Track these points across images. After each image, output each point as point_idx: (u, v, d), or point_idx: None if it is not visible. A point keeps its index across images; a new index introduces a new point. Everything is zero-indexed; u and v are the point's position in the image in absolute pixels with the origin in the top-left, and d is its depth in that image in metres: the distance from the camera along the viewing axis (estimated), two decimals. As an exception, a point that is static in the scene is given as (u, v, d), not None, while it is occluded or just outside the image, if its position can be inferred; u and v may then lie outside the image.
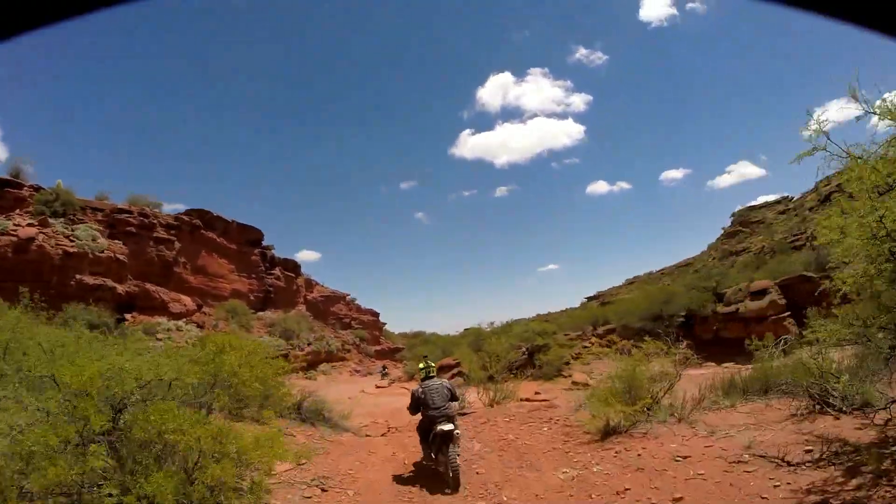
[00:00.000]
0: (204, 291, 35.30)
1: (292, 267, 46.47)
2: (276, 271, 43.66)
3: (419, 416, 7.43)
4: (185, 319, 30.08)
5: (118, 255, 28.44)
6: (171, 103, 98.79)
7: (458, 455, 6.75)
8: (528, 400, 17.52)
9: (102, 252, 27.81)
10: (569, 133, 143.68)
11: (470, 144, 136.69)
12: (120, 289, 27.11)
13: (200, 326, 30.42)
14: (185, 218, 35.58)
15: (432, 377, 7.56)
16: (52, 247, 26.72)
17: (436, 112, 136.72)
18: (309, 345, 37.03)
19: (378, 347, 50.42)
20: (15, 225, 26.99)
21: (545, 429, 9.91)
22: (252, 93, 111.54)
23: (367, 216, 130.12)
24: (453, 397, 7.34)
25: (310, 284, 50.11)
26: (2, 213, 27.50)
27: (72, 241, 27.54)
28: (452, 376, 27.71)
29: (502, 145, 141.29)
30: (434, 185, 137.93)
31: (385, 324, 59.70)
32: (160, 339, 26.04)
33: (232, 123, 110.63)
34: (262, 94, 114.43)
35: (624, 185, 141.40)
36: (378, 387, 29.10)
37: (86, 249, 27.26)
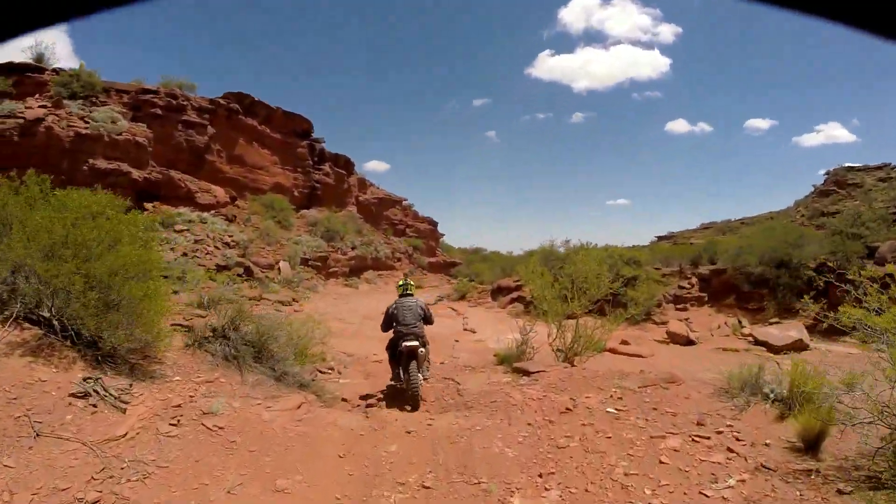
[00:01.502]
0: (240, 183, 32.01)
1: (344, 163, 42.32)
2: (326, 167, 39.72)
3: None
4: (213, 211, 26.95)
5: (138, 138, 25.05)
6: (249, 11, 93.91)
7: (423, 373, 6.69)
8: (613, 352, 12.85)
9: (120, 135, 24.49)
10: (653, 64, 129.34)
11: (548, 66, 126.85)
12: (136, 174, 23.92)
13: (230, 220, 27.30)
14: (222, 101, 31.61)
15: (409, 294, 7.23)
16: (63, 128, 23.62)
17: (514, 29, 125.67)
18: (353, 249, 33.60)
19: (432, 259, 46.77)
20: (26, 107, 24.11)
21: (720, 459, 4.91)
22: (333, 5, 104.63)
23: (438, 131, 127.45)
24: (426, 319, 7.19)
25: (363, 185, 46.19)
26: (21, 99, 24.72)
27: (86, 122, 24.35)
28: (511, 301, 23.35)
29: (582, 70, 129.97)
30: (508, 105, 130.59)
31: (443, 235, 55.70)
32: (178, 231, 23.07)
33: (309, 35, 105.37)
34: (342, 7, 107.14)
35: (705, 126, 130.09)
36: (422, 304, 25.27)
37: (101, 131, 24.00)
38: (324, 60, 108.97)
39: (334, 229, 33.09)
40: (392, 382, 7.02)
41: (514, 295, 23.17)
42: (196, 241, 22.74)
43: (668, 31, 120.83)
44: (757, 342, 15.86)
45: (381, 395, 7.02)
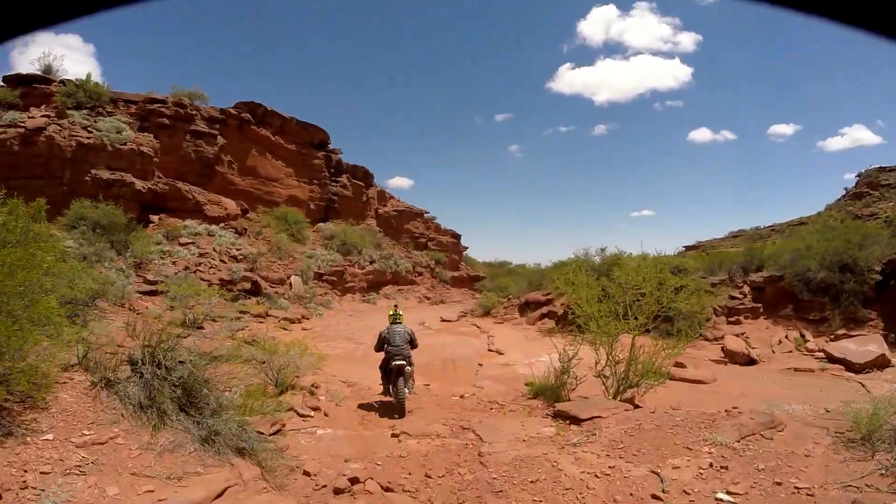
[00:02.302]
0: (253, 196, 30.60)
1: (362, 175, 40.72)
2: (343, 179, 38.15)
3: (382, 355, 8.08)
4: (223, 224, 25.46)
5: (143, 148, 23.79)
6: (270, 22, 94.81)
7: (408, 388, 7.74)
8: (670, 378, 10.52)
9: (124, 144, 23.26)
10: (674, 74, 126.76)
11: (569, 79, 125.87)
12: (140, 185, 22.57)
13: (240, 233, 25.78)
14: (233, 111, 30.39)
15: (398, 323, 8.21)
16: (65, 138, 22.55)
17: (534, 44, 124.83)
18: (371, 263, 31.76)
19: (456, 273, 44.63)
20: (28, 117, 23.15)
21: None
22: (352, 19, 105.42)
23: (460, 146, 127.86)
24: (412, 343, 8.07)
25: (383, 197, 44.50)
26: (26, 110, 23.86)
27: (90, 132, 23.23)
28: (541, 317, 21.12)
29: (603, 82, 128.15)
30: (530, 119, 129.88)
31: (466, 248, 53.53)
32: (182, 245, 21.55)
33: (329, 49, 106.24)
34: (362, 21, 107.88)
35: (728, 134, 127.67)
36: (444, 320, 23.17)
37: (104, 141, 22.83)
38: (343, 77, 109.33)
39: (351, 242, 31.36)
40: (381, 396, 8.24)
41: (545, 310, 20.93)
42: (201, 255, 21.19)
43: (688, 40, 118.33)
44: (832, 359, 13.47)
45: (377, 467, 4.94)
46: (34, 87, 25.48)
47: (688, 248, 46.40)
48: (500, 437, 5.06)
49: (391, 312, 8.60)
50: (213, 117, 28.99)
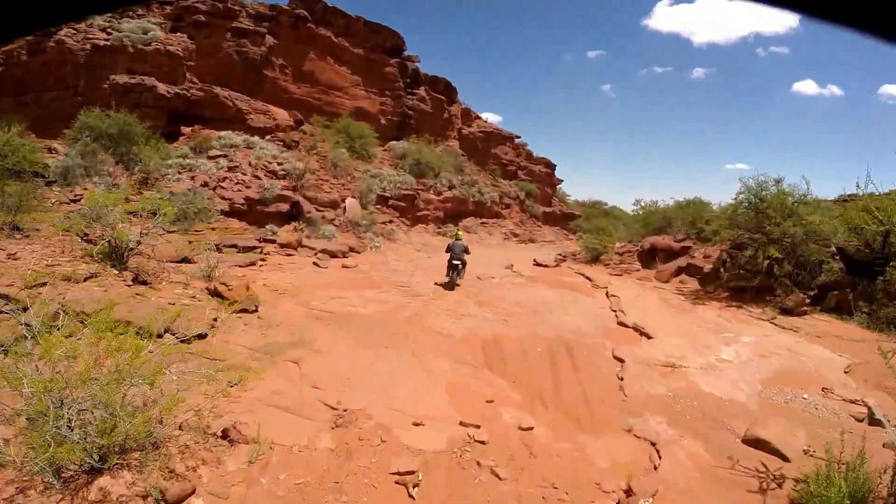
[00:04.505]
0: (312, 106, 25.91)
1: (444, 88, 34.57)
2: (421, 91, 32.37)
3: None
4: (270, 136, 21.10)
5: (171, 48, 19.62)
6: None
7: (459, 275, 11.62)
8: None
9: (149, 45, 19.15)
10: (781, 17, 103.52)
11: (667, 16, 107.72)
12: (164, 89, 18.50)
13: (288, 146, 21.30)
14: (286, 7, 25.39)
15: (459, 240, 11.90)
16: (78, 42, 18.90)
17: None
18: (450, 188, 26.38)
19: (548, 209, 37.96)
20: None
21: None
22: None
23: (552, 83, 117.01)
24: (466, 250, 11.79)
25: (467, 115, 38.21)
26: None
27: (109, 34, 19.34)
28: (677, 272, 14.85)
29: (704, 21, 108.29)
30: (624, 58, 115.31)
31: (561, 181, 46.21)
32: (211, 158, 17.39)
33: None
34: None
35: (835, 89, 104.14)
36: (539, 264, 17.47)
37: (125, 42, 18.85)
38: (438, 11, 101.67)
39: (427, 163, 25.99)
40: (441, 281, 11.75)
41: (681, 262, 14.60)
42: (230, 169, 16.87)
43: None
44: None
45: None
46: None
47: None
48: None
49: (458, 232, 13.06)
50: (262, 14, 24.24)
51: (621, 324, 9.17)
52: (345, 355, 6.50)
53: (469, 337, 7.71)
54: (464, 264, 11.71)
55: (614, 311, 10.14)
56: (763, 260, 11.30)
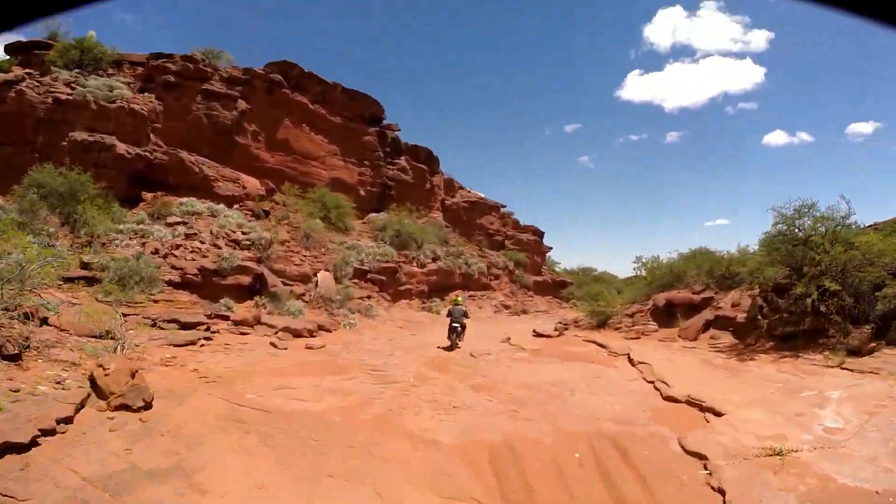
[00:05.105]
0: (286, 175, 24.49)
1: (426, 158, 33.74)
2: (402, 161, 31.39)
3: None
4: (238, 205, 19.29)
5: (136, 107, 18.21)
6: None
7: (459, 338, 12.39)
8: None
9: (113, 103, 17.69)
10: (746, 74, 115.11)
11: (638, 86, 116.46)
12: (123, 149, 16.89)
13: (257, 215, 19.48)
14: (260, 71, 24.50)
15: (459, 305, 12.83)
16: (39, 94, 17.40)
17: (601, 52, 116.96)
18: (434, 260, 24.71)
19: (539, 278, 36.56)
20: (3, 72, 18.28)
21: None
22: (422, 26, 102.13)
23: (531, 158, 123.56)
24: (465, 315, 12.75)
25: (450, 186, 37.24)
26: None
27: (73, 88, 17.90)
28: (705, 327, 12.98)
29: (673, 87, 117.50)
30: (600, 129, 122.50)
31: (550, 248, 45.19)
32: (169, 225, 15.46)
33: (403, 53, 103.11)
34: (431, 26, 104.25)
35: (804, 136, 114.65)
36: (540, 335, 15.50)
37: (87, 98, 17.38)
38: (413, 86, 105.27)
39: (410, 234, 24.35)
40: (442, 346, 12.31)
41: (708, 315, 12.82)
42: (186, 237, 14.92)
43: (759, 38, 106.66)
44: None
45: None
46: (34, 54, 20.77)
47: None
48: None
49: (457, 299, 13.91)
50: (235, 77, 23.30)
51: (669, 398, 7.26)
52: (246, 502, 4.11)
53: (466, 444, 5.53)
54: (463, 327, 12.52)
55: (650, 381, 8.34)
56: (817, 297, 9.61)
